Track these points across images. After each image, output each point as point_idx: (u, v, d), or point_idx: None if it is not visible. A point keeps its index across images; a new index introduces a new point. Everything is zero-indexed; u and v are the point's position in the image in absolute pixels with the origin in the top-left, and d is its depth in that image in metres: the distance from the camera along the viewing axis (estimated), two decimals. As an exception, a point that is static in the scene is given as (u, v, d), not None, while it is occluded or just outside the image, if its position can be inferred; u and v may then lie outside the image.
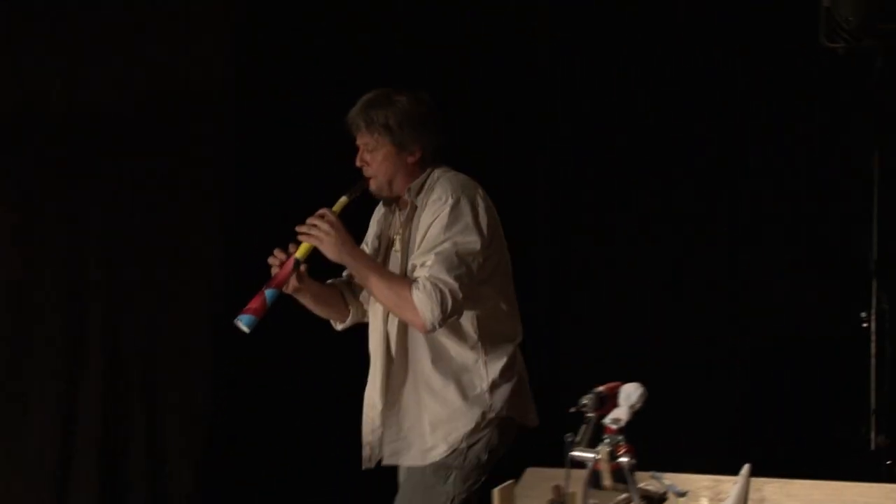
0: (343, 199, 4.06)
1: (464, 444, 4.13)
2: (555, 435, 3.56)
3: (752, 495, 3.81)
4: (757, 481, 3.94)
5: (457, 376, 4.10)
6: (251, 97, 5.60)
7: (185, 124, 5.14)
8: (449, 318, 3.93)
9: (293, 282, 4.06)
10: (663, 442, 4.18)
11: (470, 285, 3.95)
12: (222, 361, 5.48)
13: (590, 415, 3.52)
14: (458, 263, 3.93)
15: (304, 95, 6.08)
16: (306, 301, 4.23)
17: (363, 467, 4.27)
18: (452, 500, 4.09)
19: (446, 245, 3.95)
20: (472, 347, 4.11)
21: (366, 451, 4.24)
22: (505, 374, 4.14)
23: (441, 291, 3.87)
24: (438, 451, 4.10)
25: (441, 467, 4.09)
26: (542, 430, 4.07)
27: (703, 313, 6.20)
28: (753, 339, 6.15)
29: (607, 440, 3.48)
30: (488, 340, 4.12)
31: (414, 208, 4.09)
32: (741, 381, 6.08)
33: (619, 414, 3.53)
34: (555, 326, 6.31)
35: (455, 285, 3.89)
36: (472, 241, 3.97)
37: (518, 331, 4.24)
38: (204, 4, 5.27)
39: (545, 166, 6.64)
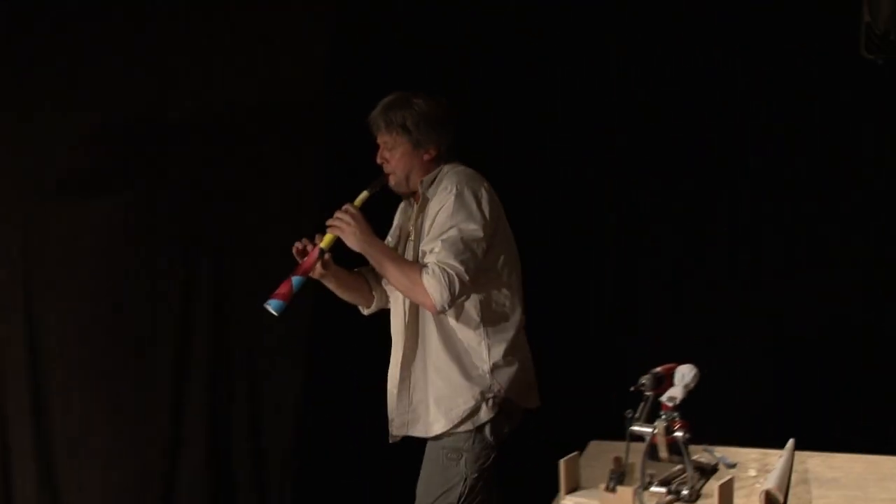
0: (364, 194, 4.16)
1: (469, 426, 4.20)
2: (616, 411, 3.67)
3: (797, 467, 3.91)
4: (801, 454, 4.04)
5: (460, 357, 4.18)
6: (341, 106, 5.61)
7: (283, 131, 5.28)
8: (457, 300, 4.02)
9: (318, 269, 4.15)
10: (715, 418, 4.11)
11: (475, 269, 4.04)
12: (318, 352, 5.59)
13: (648, 393, 3.60)
14: (464, 249, 4.01)
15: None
16: (333, 287, 4.33)
17: (391, 438, 4.41)
18: (465, 480, 4.18)
19: (452, 232, 4.03)
20: (475, 330, 4.18)
21: (390, 425, 4.37)
22: (506, 357, 4.21)
23: (449, 275, 3.96)
24: (439, 426, 4.18)
25: (453, 450, 4.18)
26: (605, 407, 4.12)
27: (752, 297, 6.13)
28: (799, 323, 6.08)
29: (664, 416, 3.57)
30: (490, 325, 4.19)
31: (426, 200, 4.18)
32: (788, 362, 6.04)
33: (675, 392, 3.62)
34: (617, 312, 6.34)
35: (461, 269, 3.97)
36: (476, 229, 4.05)
37: (520, 317, 4.30)
38: (299, 22, 5.34)
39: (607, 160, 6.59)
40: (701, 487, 3.63)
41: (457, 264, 3.95)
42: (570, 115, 6.31)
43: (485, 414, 4.15)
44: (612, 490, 3.43)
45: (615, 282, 6.27)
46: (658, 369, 3.67)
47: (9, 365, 5.02)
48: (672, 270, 6.14)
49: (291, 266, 4.13)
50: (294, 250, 4.12)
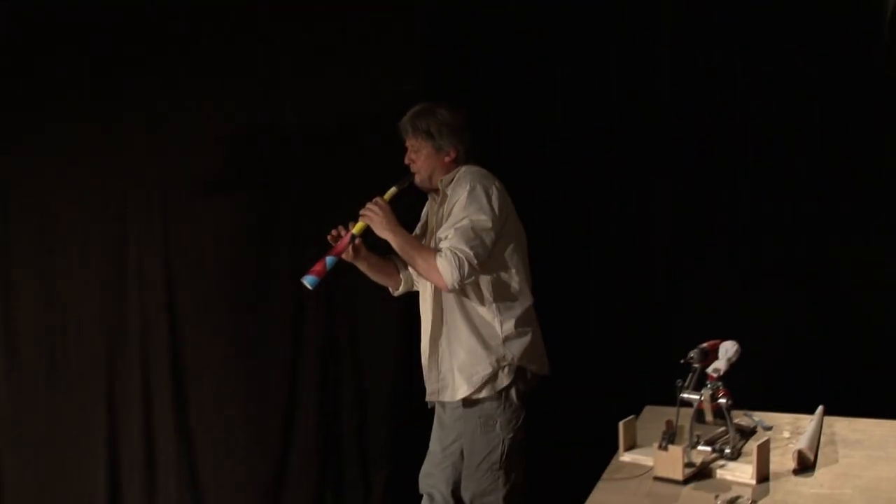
0: (393, 189, 4.27)
1: (489, 391, 4.26)
2: (668, 381, 3.76)
3: (825, 430, 3.99)
4: (829, 419, 4.12)
5: (478, 331, 4.26)
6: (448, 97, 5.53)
7: (381, 139, 5.13)
8: (466, 280, 4.12)
9: (350, 252, 4.27)
10: (754, 387, 4.24)
11: (484, 255, 4.13)
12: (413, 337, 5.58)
13: (695, 365, 3.72)
14: (474, 237, 4.10)
15: (482, 109, 5.95)
16: (364, 269, 4.45)
17: (427, 402, 4.50)
18: (503, 441, 4.29)
19: (464, 222, 4.12)
20: (489, 308, 4.26)
21: (429, 393, 4.47)
22: (517, 329, 4.29)
23: (459, 258, 4.06)
24: (462, 391, 4.27)
25: (488, 418, 4.28)
26: (658, 377, 4.19)
27: (787, 277, 5.94)
28: (825, 300, 5.89)
29: (709, 385, 3.69)
30: (501, 302, 4.28)
31: (445, 196, 4.29)
32: (819, 337, 5.79)
33: (719, 365, 3.74)
34: (669, 293, 6.21)
35: (471, 253, 4.07)
36: (485, 220, 4.13)
37: (528, 296, 4.38)
38: (396, 42, 5.34)
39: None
40: (741, 447, 3.74)
41: (467, 249, 4.06)
42: (619, 95, 6.18)
43: (503, 379, 4.25)
44: (665, 448, 3.54)
45: (667, 267, 6.20)
46: (704, 345, 3.78)
47: (153, 362, 5.06)
48: (716, 254, 6.03)
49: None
50: (329, 236, 4.26)
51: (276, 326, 5.25)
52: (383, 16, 5.27)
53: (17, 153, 4.73)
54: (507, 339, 4.24)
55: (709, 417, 3.76)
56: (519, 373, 4.28)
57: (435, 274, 4.10)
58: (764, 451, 3.56)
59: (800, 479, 3.56)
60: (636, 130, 6.09)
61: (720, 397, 3.71)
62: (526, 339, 4.30)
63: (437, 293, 4.31)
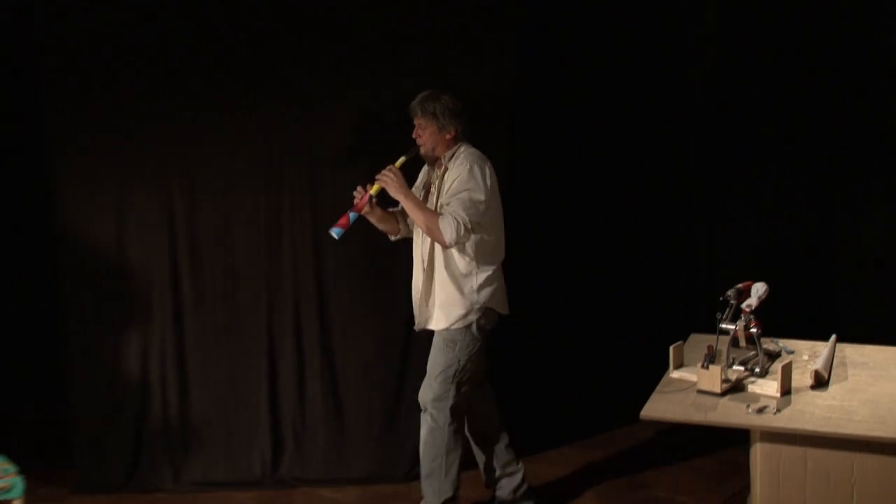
0: (402, 159, 4.41)
1: (461, 324, 4.41)
2: (710, 314, 3.91)
3: (837, 354, 4.09)
4: (840, 345, 4.21)
5: (457, 279, 4.41)
6: (526, 104, 5.51)
7: (478, 131, 4.95)
8: (461, 239, 4.28)
9: (367, 208, 4.40)
10: (780, 318, 4.19)
11: (475, 222, 4.29)
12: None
13: (732, 301, 3.81)
14: (469, 206, 4.26)
15: (568, 103, 6.08)
16: (374, 220, 4.56)
17: (415, 329, 4.62)
18: (459, 361, 4.43)
19: (463, 194, 4.28)
20: (469, 263, 4.40)
21: (416, 319, 4.59)
22: (488, 281, 4.44)
23: (457, 222, 4.22)
24: (441, 323, 4.44)
25: (451, 341, 4.43)
26: (701, 310, 4.34)
27: (808, 226, 5.80)
28: (838, 246, 5.69)
29: (743, 318, 3.82)
30: (480, 259, 4.42)
31: (446, 168, 4.43)
32: (831, 279, 5.64)
33: (751, 301, 3.86)
34: (712, 246, 6.10)
35: (466, 219, 4.24)
36: (479, 194, 4.30)
37: (501, 254, 4.53)
38: (491, 31, 5.11)
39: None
40: (769, 367, 3.89)
41: (464, 216, 4.23)
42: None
43: (471, 316, 4.41)
44: (706, 367, 3.70)
45: (706, 226, 6.15)
46: (740, 285, 3.87)
47: (303, 303, 5.09)
48: (751, 205, 5.93)
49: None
50: (354, 193, 4.40)
51: (397, 270, 5.09)
52: (481, 40, 5.15)
53: (196, 147, 4.89)
54: (480, 288, 4.40)
55: (742, 343, 3.88)
56: (485, 312, 4.44)
57: (437, 232, 4.25)
58: (787, 371, 3.66)
59: (815, 393, 3.65)
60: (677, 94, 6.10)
61: (752, 327, 3.82)
62: (493, 287, 4.46)
63: (429, 246, 4.46)
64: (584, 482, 5.11)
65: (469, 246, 4.37)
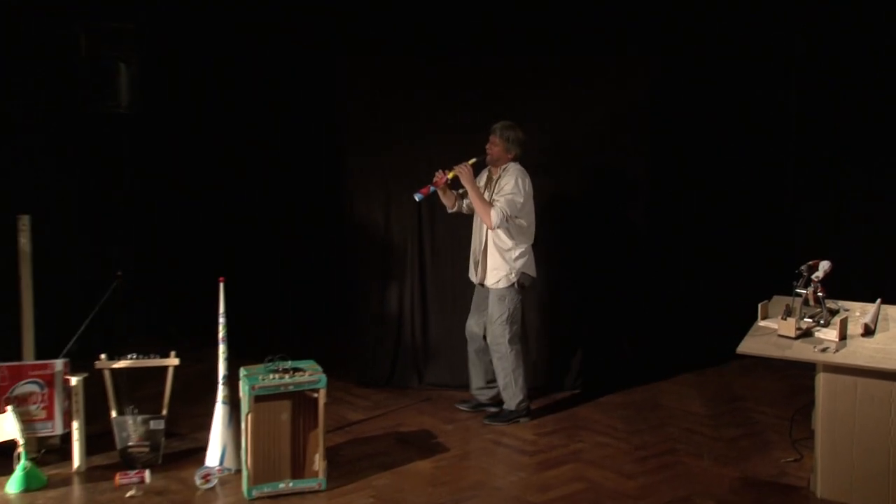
0: (474, 160, 4.50)
1: (506, 283, 4.54)
2: (787, 283, 4.08)
3: (882, 313, 4.17)
4: (885, 307, 4.29)
5: (502, 252, 4.55)
6: (660, 119, 5.48)
7: (617, 147, 5.12)
8: (502, 225, 4.43)
9: (443, 186, 4.51)
10: (839, 285, 4.24)
11: (514, 214, 4.44)
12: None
13: (805, 273, 4.03)
14: (512, 203, 4.42)
15: (690, 117, 6.04)
16: (442, 196, 4.63)
17: (475, 282, 4.69)
18: (510, 309, 4.56)
19: (509, 196, 4.43)
20: (511, 241, 4.53)
21: (474, 279, 4.69)
22: (523, 255, 4.56)
23: (502, 212, 4.40)
24: (492, 282, 4.56)
25: (501, 296, 4.56)
26: (783, 279, 4.22)
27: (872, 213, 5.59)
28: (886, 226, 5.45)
29: (812, 285, 4.03)
30: (517, 240, 4.54)
31: (499, 176, 4.55)
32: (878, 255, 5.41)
33: (819, 273, 4.03)
34: (791, 231, 6.02)
35: (508, 212, 4.41)
36: (519, 197, 4.45)
37: (532, 238, 4.58)
38: (628, 69, 5.11)
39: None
40: (830, 320, 3.99)
41: (507, 209, 4.42)
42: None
43: (513, 277, 4.55)
44: (785, 319, 3.86)
45: (794, 205, 6.05)
46: (810, 262, 4.08)
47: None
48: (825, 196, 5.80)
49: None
50: (437, 173, 4.47)
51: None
52: (617, 79, 5.15)
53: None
54: (517, 259, 4.55)
55: (811, 303, 4.10)
56: (521, 276, 4.59)
57: (487, 217, 4.41)
58: (843, 323, 3.78)
59: (864, 340, 3.75)
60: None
61: (818, 292, 4.04)
62: (526, 259, 4.58)
63: (485, 228, 4.56)
64: (696, 396, 5.21)
65: (512, 229, 4.53)
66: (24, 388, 4.14)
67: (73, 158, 6.04)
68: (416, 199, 4.50)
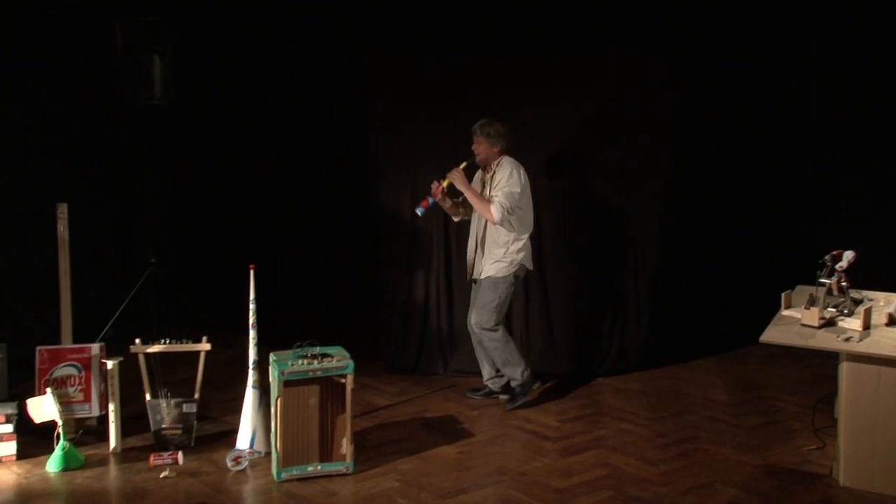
0: (464, 163, 4.57)
1: (503, 273, 4.60)
2: (811, 272, 4.09)
3: None
4: None
5: (500, 245, 4.59)
6: (684, 120, 5.51)
7: (643, 142, 5.20)
8: (505, 219, 4.48)
9: (440, 195, 4.56)
10: (863, 275, 4.24)
11: (514, 207, 4.49)
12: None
13: (829, 263, 4.03)
14: (510, 196, 4.48)
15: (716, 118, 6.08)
16: (444, 206, 4.71)
17: (467, 279, 4.79)
18: (500, 297, 4.61)
19: (506, 189, 4.48)
20: (509, 234, 4.58)
21: (469, 272, 4.76)
22: (521, 247, 4.62)
23: (503, 206, 4.46)
24: (488, 272, 4.61)
25: (495, 284, 4.62)
26: (806, 269, 4.26)
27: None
28: None
29: (836, 275, 4.04)
30: (517, 232, 4.60)
31: (493, 172, 4.60)
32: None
33: (843, 263, 4.05)
34: (815, 220, 6.02)
35: (508, 205, 4.47)
36: (516, 188, 4.50)
37: (531, 228, 4.64)
38: (653, 72, 5.14)
39: None
40: (854, 309, 4.00)
41: (507, 203, 4.47)
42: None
43: (510, 269, 4.62)
44: (808, 308, 3.87)
45: (812, 210, 6.10)
46: (834, 252, 4.09)
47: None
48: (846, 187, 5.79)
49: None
50: (432, 184, 4.54)
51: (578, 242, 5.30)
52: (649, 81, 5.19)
53: (418, 147, 5.03)
54: (518, 251, 4.61)
55: (835, 293, 4.10)
56: (518, 268, 4.65)
57: (488, 213, 4.48)
58: (867, 312, 3.78)
59: (888, 329, 3.75)
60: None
61: (842, 282, 4.05)
62: (524, 251, 4.64)
63: (483, 224, 4.62)
64: (718, 384, 5.21)
65: (514, 222, 4.58)
66: (62, 370, 4.26)
67: (107, 148, 6.15)
68: (418, 213, 4.56)
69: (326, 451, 3.88)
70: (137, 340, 4.25)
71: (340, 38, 6.43)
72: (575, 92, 5.20)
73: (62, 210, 4.42)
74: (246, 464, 3.97)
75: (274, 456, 3.84)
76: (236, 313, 4.81)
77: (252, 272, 4.16)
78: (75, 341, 4.42)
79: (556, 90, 5.22)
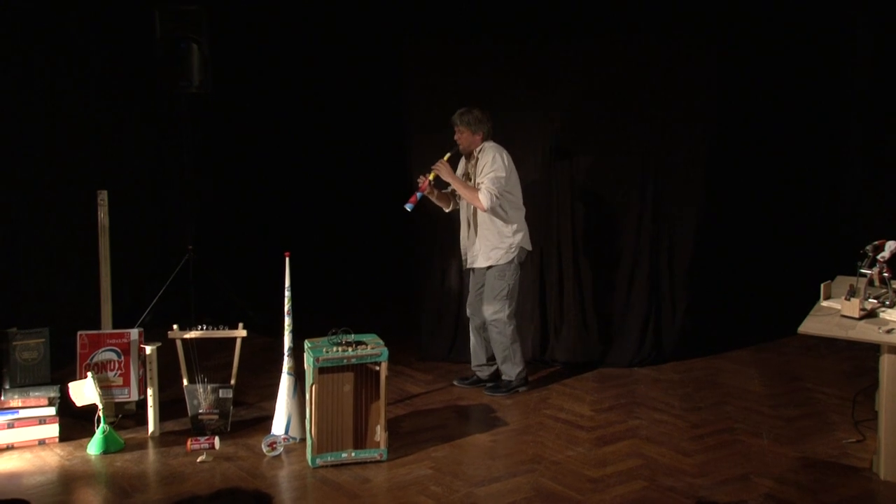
0: (448, 154, 4.57)
1: (505, 260, 4.60)
2: (851, 262, 4.03)
3: None
4: None
5: (497, 231, 4.61)
6: (724, 108, 5.45)
7: (682, 130, 5.19)
8: (494, 204, 4.49)
9: (428, 189, 4.55)
10: None
11: (501, 191, 4.50)
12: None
13: (870, 253, 3.98)
14: (496, 181, 4.49)
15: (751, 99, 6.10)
16: (433, 198, 4.70)
17: (463, 268, 4.82)
18: (509, 285, 4.63)
19: (491, 174, 4.50)
20: (503, 219, 4.59)
21: (464, 262, 4.79)
22: (518, 231, 4.63)
23: (491, 192, 4.47)
24: (484, 262, 4.63)
25: (501, 273, 4.63)
26: (846, 259, 4.22)
27: None
28: None
29: (878, 265, 3.96)
30: (511, 217, 4.61)
31: (477, 159, 4.61)
32: None
33: (885, 254, 3.97)
34: (858, 214, 6.01)
35: (496, 190, 4.48)
36: (501, 172, 4.51)
37: (523, 209, 4.64)
38: (696, 58, 5.14)
39: None
40: (895, 300, 3.93)
41: (494, 188, 4.49)
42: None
43: (511, 254, 4.62)
44: (848, 299, 3.82)
45: (857, 191, 6.07)
46: (876, 242, 4.03)
47: (563, 249, 5.19)
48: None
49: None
50: (418, 178, 4.55)
51: (623, 227, 5.26)
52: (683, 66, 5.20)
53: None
54: (514, 234, 4.62)
55: (876, 283, 4.01)
56: (519, 252, 4.66)
57: (477, 202, 4.51)
58: None
59: None
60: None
61: (884, 272, 3.96)
62: (523, 233, 4.66)
63: (473, 211, 4.65)
64: (755, 375, 5.17)
65: (503, 207, 4.59)
66: (102, 355, 4.33)
67: (146, 136, 6.25)
68: (407, 209, 4.53)
69: (360, 438, 3.90)
70: (175, 326, 4.29)
71: (376, 23, 6.47)
72: (610, 79, 5.19)
73: (103, 197, 4.48)
74: (281, 449, 4.00)
75: (309, 442, 3.87)
76: (272, 300, 4.82)
77: (287, 260, 4.17)
78: (115, 327, 4.49)
79: (591, 77, 5.22)
